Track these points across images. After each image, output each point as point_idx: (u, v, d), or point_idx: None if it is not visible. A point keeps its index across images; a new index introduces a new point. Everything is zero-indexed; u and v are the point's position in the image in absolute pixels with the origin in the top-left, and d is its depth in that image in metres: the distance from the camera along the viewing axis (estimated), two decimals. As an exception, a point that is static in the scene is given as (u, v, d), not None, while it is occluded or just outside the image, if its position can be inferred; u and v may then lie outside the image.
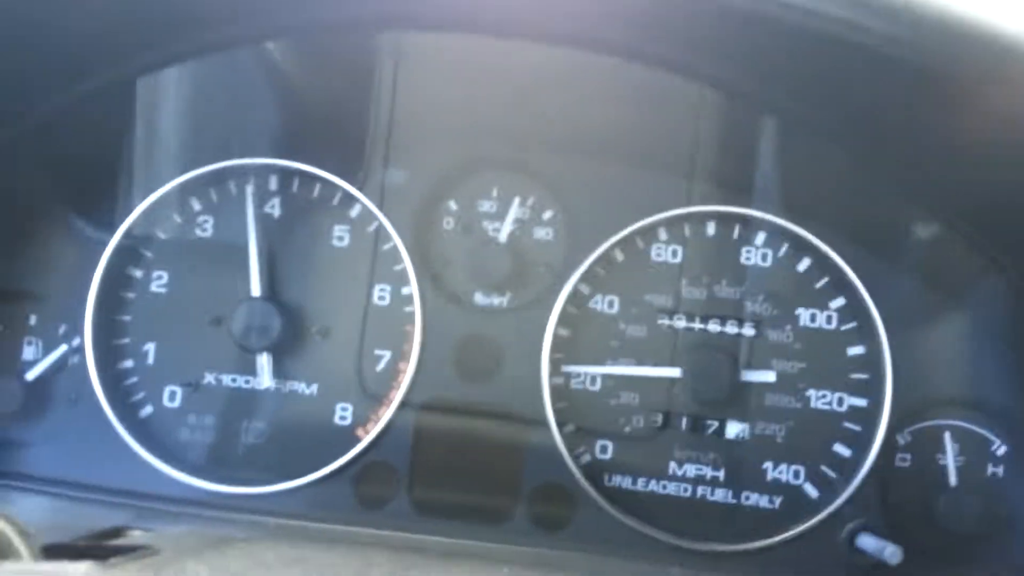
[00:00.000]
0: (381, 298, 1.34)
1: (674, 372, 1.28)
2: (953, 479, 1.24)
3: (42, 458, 1.29)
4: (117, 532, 1.02)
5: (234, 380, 1.34)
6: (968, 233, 1.21)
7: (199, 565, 0.77)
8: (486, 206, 1.37)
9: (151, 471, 1.27)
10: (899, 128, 1.11)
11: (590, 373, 1.31)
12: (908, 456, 1.26)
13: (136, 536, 0.96)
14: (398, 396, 1.30)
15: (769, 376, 1.27)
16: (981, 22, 0.63)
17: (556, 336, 1.30)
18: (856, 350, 1.28)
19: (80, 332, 1.31)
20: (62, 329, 1.34)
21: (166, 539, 0.91)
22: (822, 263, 1.29)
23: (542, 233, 1.35)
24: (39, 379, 1.32)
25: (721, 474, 1.28)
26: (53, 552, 0.78)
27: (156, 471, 1.27)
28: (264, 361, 1.31)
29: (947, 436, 1.25)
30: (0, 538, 0.76)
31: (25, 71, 0.91)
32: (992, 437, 1.24)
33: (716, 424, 1.28)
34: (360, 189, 1.34)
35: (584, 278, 1.32)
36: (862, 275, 1.26)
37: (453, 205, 1.37)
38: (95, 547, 0.86)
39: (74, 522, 1.13)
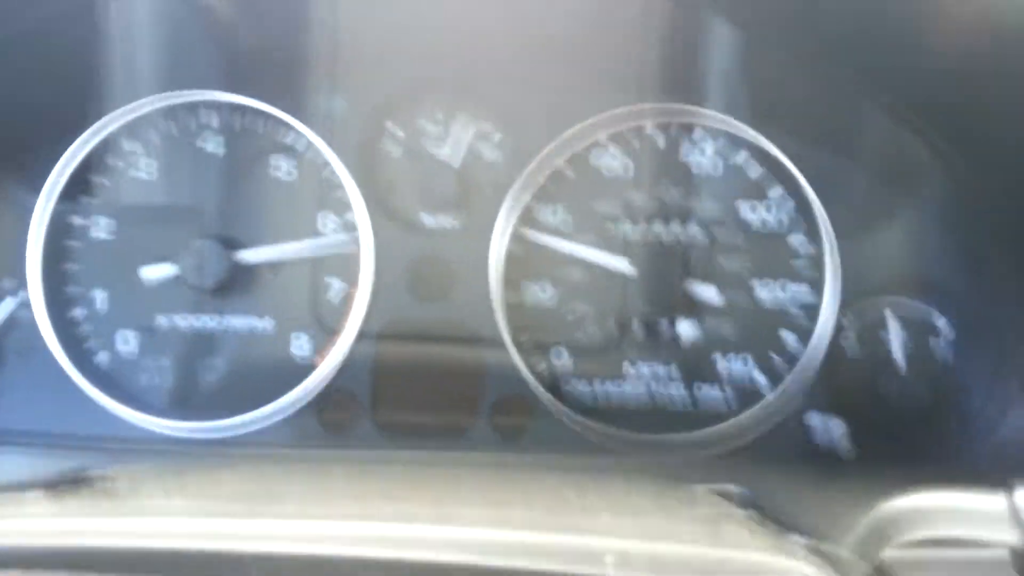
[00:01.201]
0: (329, 228, 1.34)
1: (622, 263, 1.30)
2: (900, 361, 1.27)
3: (2, 412, 1.29)
4: (77, 476, 1.04)
5: (186, 320, 1.34)
6: (913, 124, 1.23)
7: (154, 487, 0.79)
8: (429, 128, 1.36)
9: (111, 416, 1.28)
10: (846, 15, 1.12)
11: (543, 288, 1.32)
12: (853, 340, 1.29)
13: (97, 474, 0.97)
14: (355, 324, 1.30)
15: (711, 292, 1.29)
16: None
17: (508, 253, 1.31)
18: (798, 239, 1.30)
19: (25, 285, 1.30)
20: (7, 284, 1.32)
21: (126, 471, 0.93)
22: (759, 155, 1.30)
23: (487, 151, 1.35)
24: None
25: (674, 370, 1.31)
26: (10, 490, 0.79)
27: (116, 416, 1.28)
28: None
29: (892, 320, 1.28)
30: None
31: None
32: (937, 321, 1.27)
33: (667, 324, 1.31)
34: (302, 120, 1.32)
35: (533, 194, 1.32)
36: (802, 165, 1.27)
37: (396, 129, 1.36)
38: (49, 482, 0.87)
39: (36, 471, 1.14)
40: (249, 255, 1.32)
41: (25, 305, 1.32)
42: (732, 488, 1.05)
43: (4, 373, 1.31)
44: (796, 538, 0.71)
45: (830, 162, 1.29)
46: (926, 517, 0.75)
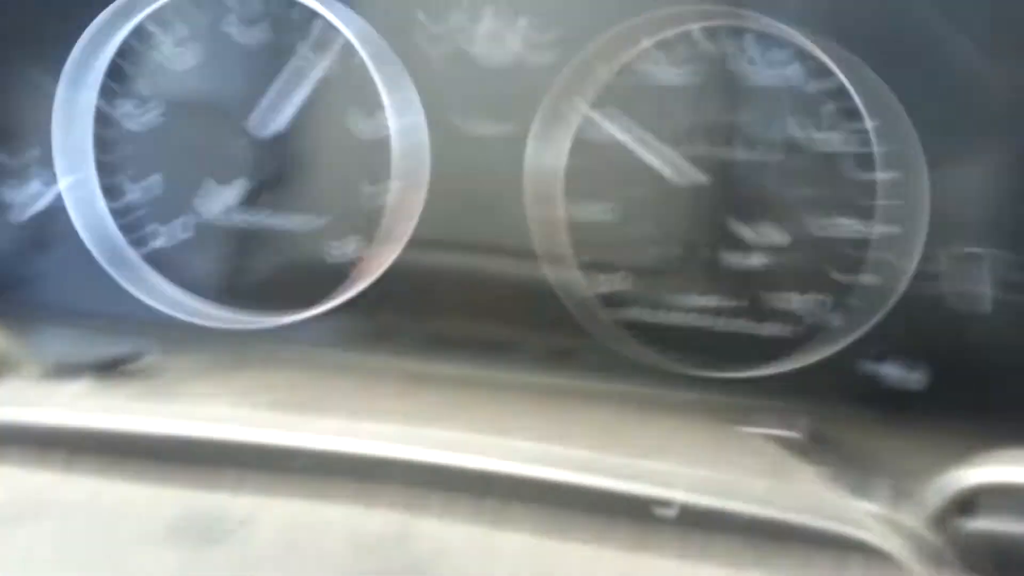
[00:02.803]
0: (377, 130, 1.28)
1: (693, 178, 1.22)
2: (987, 307, 1.18)
3: (55, 292, 1.31)
4: (134, 356, 1.04)
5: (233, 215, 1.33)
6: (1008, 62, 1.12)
7: (203, 384, 0.77)
8: (485, 26, 1.27)
9: (157, 298, 1.29)
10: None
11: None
12: (939, 284, 1.21)
13: (143, 358, 0.97)
14: (405, 229, 1.27)
15: (784, 222, 1.20)
16: None
17: (567, 165, 1.25)
18: (889, 175, 1.21)
19: (80, 168, 1.29)
20: (63, 166, 1.32)
21: (172, 362, 0.92)
22: (855, 81, 1.19)
23: (546, 55, 1.26)
24: (44, 215, 1.32)
25: (740, 303, 1.24)
26: (61, 370, 0.79)
27: (161, 298, 1.29)
28: (230, 190, 1.29)
29: (983, 264, 1.19)
30: (5, 357, 0.76)
31: None
32: (1029, 267, 1.18)
33: (736, 253, 1.24)
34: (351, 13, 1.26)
35: (593, 102, 1.24)
36: (901, 94, 1.17)
37: (448, 25, 1.27)
38: (99, 366, 0.87)
39: (81, 351, 1.15)
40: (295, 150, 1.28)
41: (82, 186, 1.31)
42: (793, 435, 1.01)
43: (59, 255, 1.32)
44: (865, 504, 0.66)
45: (925, 94, 1.18)
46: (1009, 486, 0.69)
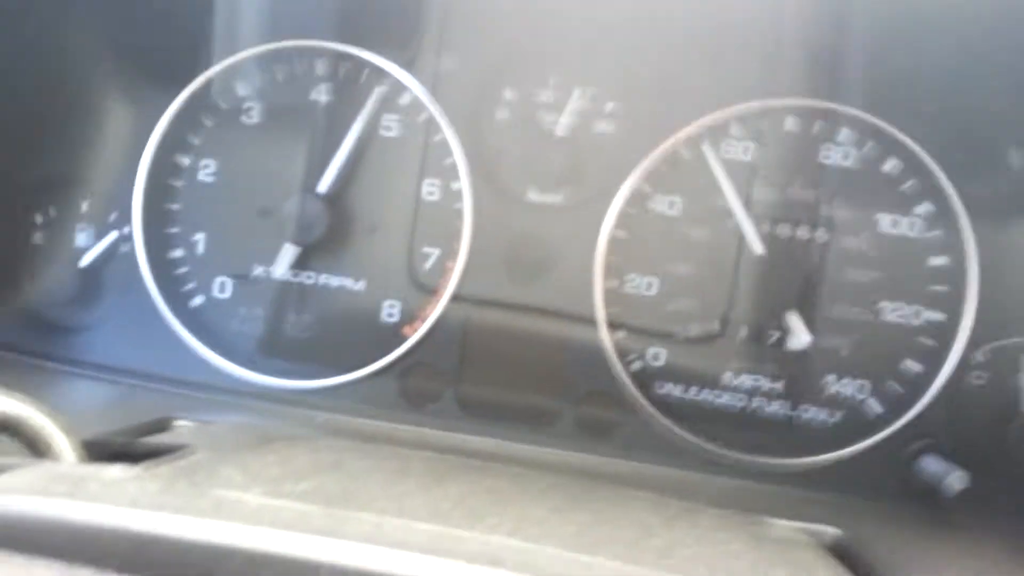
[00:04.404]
0: (431, 193, 1.28)
1: (737, 261, 1.21)
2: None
3: (95, 344, 1.31)
4: (161, 425, 1.04)
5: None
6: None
7: (234, 471, 0.77)
8: (544, 96, 1.28)
9: (200, 360, 1.28)
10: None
11: (646, 278, 1.25)
12: (983, 376, 1.17)
13: (178, 430, 0.97)
14: (447, 294, 1.26)
15: (832, 305, 1.19)
16: None
17: (612, 237, 1.24)
18: (938, 260, 1.18)
19: (130, 220, 1.30)
20: (113, 216, 1.33)
21: (205, 436, 0.92)
22: (910, 164, 1.17)
23: (602, 127, 1.27)
24: (91, 266, 1.33)
25: (779, 386, 1.22)
26: (92, 448, 0.79)
27: (204, 360, 1.28)
28: (287, 251, 1.29)
29: (1027, 362, 1.16)
30: (41, 433, 0.77)
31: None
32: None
33: (777, 334, 1.21)
34: (412, 76, 1.27)
35: (646, 176, 1.23)
36: (954, 181, 1.15)
37: (508, 94, 1.28)
38: (133, 444, 0.87)
39: (123, 408, 1.16)
40: (347, 211, 1.28)
41: (128, 239, 1.32)
42: (830, 530, 0.98)
43: (103, 306, 1.33)
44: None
45: (979, 182, 1.16)
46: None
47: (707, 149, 1.23)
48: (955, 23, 1.09)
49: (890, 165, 1.19)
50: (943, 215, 1.17)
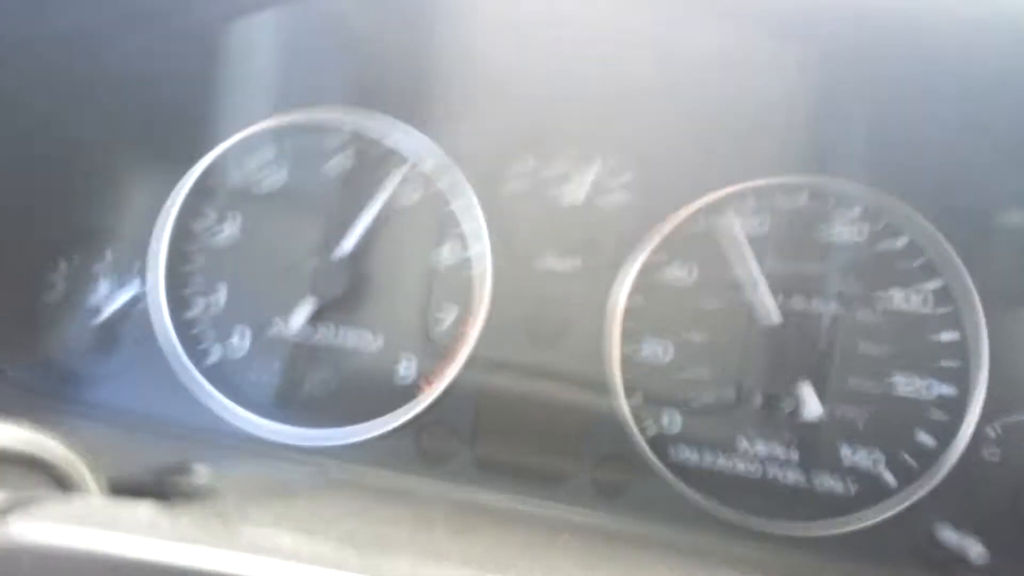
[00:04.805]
0: (449, 257, 1.32)
1: (750, 331, 1.23)
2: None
3: (113, 392, 1.31)
4: (182, 468, 1.03)
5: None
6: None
7: (264, 512, 0.76)
8: (561, 165, 1.32)
9: (217, 411, 1.28)
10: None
11: (661, 345, 1.26)
12: (997, 451, 1.18)
13: (200, 474, 0.96)
14: (464, 354, 1.28)
15: (846, 376, 1.21)
16: None
17: (627, 305, 1.26)
18: (950, 336, 1.20)
19: (152, 272, 1.33)
20: (136, 270, 1.35)
21: (229, 482, 0.91)
22: (921, 241, 1.21)
23: (618, 197, 1.30)
24: (111, 318, 1.34)
25: (794, 455, 1.22)
26: (119, 486, 0.79)
27: (222, 411, 1.28)
28: (304, 306, 1.31)
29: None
30: (72, 470, 0.76)
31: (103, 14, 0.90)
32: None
33: (791, 403, 1.22)
34: (432, 142, 1.32)
35: (660, 245, 1.26)
36: (964, 256, 1.18)
37: (527, 163, 1.33)
38: (159, 484, 0.86)
39: (141, 454, 1.15)
40: (365, 273, 1.31)
41: (149, 293, 1.34)
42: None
43: (121, 357, 1.34)
44: None
45: (990, 257, 1.19)
46: None
47: (723, 221, 1.26)
48: (955, 99, 1.14)
49: (902, 242, 1.23)
50: (953, 291, 1.20)
